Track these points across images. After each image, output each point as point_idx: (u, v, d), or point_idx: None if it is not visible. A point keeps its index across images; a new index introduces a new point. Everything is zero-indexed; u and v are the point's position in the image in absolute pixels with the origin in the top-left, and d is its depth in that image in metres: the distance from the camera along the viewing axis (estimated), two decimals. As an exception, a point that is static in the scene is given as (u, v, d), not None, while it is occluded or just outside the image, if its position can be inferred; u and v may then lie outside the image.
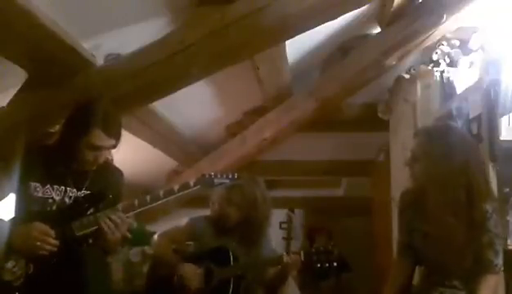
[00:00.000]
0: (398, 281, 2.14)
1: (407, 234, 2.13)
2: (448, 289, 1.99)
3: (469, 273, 1.93)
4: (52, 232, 1.88)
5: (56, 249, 1.87)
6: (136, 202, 1.99)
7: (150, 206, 2.00)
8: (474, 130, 2.63)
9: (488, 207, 1.92)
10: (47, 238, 1.86)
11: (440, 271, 2.03)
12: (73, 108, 2.05)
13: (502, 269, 1.94)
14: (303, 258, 2.47)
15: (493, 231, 1.91)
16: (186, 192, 2.03)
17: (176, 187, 2.03)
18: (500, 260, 1.92)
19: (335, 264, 2.45)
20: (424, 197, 2.03)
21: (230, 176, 2.12)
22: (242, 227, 2.74)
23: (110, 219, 1.92)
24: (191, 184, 2.04)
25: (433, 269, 2.08)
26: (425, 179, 2.00)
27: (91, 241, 1.98)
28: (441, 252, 1.98)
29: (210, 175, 2.08)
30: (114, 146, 2.03)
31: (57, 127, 2.25)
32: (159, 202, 2.00)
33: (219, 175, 2.10)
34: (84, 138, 1.95)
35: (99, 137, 1.95)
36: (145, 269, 3.46)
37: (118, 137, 2.02)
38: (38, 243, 1.85)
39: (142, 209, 2.00)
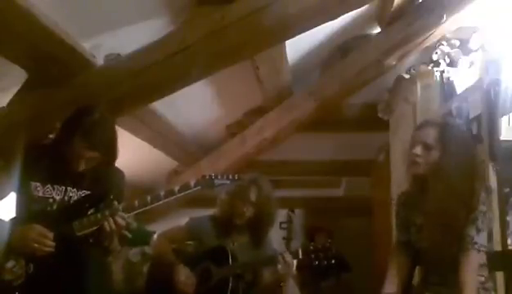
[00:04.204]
0: (396, 277, 2.14)
1: (404, 231, 2.16)
2: (444, 288, 2.00)
3: (456, 259, 1.93)
4: (50, 234, 1.88)
5: (53, 251, 1.88)
6: (136, 202, 2.00)
7: (150, 206, 2.00)
8: (474, 130, 2.63)
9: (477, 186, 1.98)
10: (44, 240, 1.87)
11: (433, 264, 2.05)
12: (71, 113, 2.05)
13: (482, 249, 1.92)
14: (300, 255, 2.46)
15: (479, 209, 1.92)
16: (186, 193, 2.03)
17: (176, 188, 2.03)
18: (481, 240, 1.90)
19: (333, 261, 2.44)
20: (424, 187, 2.05)
21: (230, 177, 2.12)
22: (252, 225, 2.74)
23: (112, 218, 1.93)
24: (192, 184, 2.04)
25: (427, 263, 2.10)
26: (439, 167, 1.99)
27: (91, 241, 1.99)
28: (435, 240, 1.99)
29: (211, 176, 2.08)
30: (100, 159, 2.02)
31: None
32: (160, 202, 2.00)
33: (219, 177, 2.10)
34: (69, 144, 1.97)
35: (80, 147, 1.96)
36: (145, 269, 3.46)
37: (104, 152, 2.01)
38: (36, 245, 1.86)
39: (143, 209, 2.00)
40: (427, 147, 2.02)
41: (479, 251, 1.91)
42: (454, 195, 1.95)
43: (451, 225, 1.94)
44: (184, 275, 2.61)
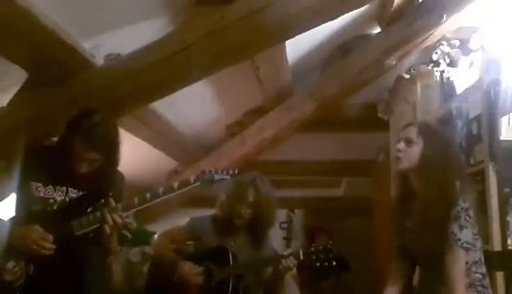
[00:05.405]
0: (396, 283, 2.17)
1: (399, 236, 2.19)
2: (441, 286, 2.01)
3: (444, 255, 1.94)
4: (50, 236, 1.88)
5: (52, 253, 1.88)
6: (135, 200, 1.99)
7: (149, 203, 1.99)
8: (474, 130, 2.64)
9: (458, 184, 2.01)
10: (43, 242, 1.87)
11: (428, 263, 2.07)
12: (74, 114, 2.05)
13: (467, 246, 1.91)
14: (301, 256, 2.47)
15: (461, 205, 1.93)
16: (186, 189, 2.03)
17: (176, 184, 2.03)
18: (464, 237, 1.90)
19: (334, 263, 2.44)
20: (411, 188, 2.09)
21: (230, 172, 2.12)
22: (252, 226, 2.74)
23: (111, 216, 1.92)
24: (191, 180, 2.04)
25: (423, 263, 2.12)
26: (420, 160, 2.05)
27: (91, 240, 1.98)
28: (424, 241, 2.01)
29: (210, 172, 2.08)
30: (100, 162, 2.01)
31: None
32: (159, 199, 2.00)
33: (219, 172, 2.10)
34: (70, 145, 1.97)
35: (79, 147, 1.96)
36: (145, 269, 3.46)
37: (104, 154, 2.01)
38: (35, 247, 1.86)
39: (142, 207, 1.99)
40: (408, 141, 2.08)
41: (463, 248, 1.90)
42: (435, 192, 1.97)
43: (436, 224, 1.95)
44: (188, 266, 2.62)
